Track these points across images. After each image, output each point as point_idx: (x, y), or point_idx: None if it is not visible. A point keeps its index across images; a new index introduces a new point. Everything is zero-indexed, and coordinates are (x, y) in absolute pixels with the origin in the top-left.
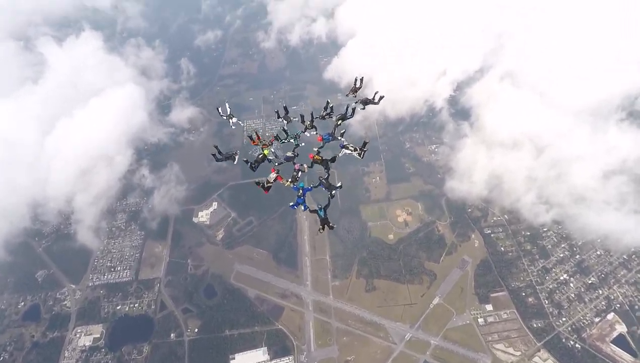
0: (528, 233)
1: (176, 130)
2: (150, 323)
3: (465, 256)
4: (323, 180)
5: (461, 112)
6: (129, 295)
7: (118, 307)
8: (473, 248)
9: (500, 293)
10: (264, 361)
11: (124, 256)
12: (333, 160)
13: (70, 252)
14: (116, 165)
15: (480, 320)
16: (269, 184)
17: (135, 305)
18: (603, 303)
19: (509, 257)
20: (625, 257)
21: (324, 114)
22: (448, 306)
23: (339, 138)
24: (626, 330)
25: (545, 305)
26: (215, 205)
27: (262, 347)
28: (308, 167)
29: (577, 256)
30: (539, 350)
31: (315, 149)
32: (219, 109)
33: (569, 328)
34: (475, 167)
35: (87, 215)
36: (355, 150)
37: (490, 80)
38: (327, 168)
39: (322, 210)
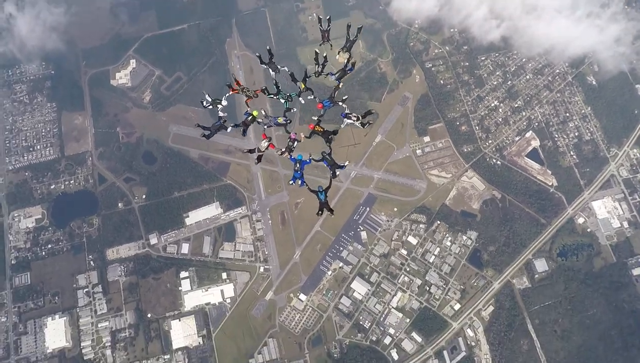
0: (467, 63)
1: None
2: (92, 197)
3: (407, 92)
4: (326, 156)
5: None
6: (60, 173)
7: (52, 187)
8: (414, 83)
9: (437, 125)
10: (218, 214)
11: (39, 133)
12: (335, 132)
13: None
14: None
15: (419, 151)
16: (260, 153)
17: (71, 182)
18: (524, 123)
19: (448, 89)
20: (549, 78)
21: (319, 69)
22: (390, 142)
23: (340, 103)
24: (539, 144)
25: (476, 131)
26: (133, 63)
27: (213, 202)
28: (306, 137)
29: (509, 82)
30: (466, 171)
31: (315, 118)
32: (203, 103)
33: (493, 149)
34: None
35: None
36: (358, 119)
37: None
38: (329, 141)
39: (323, 193)
